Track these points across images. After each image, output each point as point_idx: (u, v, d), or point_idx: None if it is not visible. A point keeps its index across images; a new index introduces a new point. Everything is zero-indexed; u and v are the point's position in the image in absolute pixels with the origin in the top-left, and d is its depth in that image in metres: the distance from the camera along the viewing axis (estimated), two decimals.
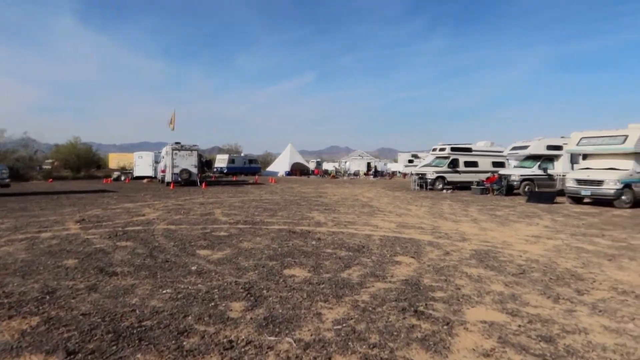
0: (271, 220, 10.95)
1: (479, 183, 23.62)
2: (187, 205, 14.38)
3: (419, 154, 70.40)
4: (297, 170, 52.80)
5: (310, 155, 66.42)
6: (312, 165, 58.37)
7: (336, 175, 47.52)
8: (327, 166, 71.10)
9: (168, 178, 25.77)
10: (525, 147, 22.65)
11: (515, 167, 24.06)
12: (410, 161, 65.14)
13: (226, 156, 51.17)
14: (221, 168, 49.26)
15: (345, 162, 62.06)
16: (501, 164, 27.64)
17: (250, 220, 10.99)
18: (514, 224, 11.15)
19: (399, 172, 56.01)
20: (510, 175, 22.25)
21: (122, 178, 35.54)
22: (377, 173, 48.62)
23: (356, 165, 58.16)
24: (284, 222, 10.78)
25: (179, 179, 25.83)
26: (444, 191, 24.08)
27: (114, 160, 56.17)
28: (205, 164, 43.31)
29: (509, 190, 21.72)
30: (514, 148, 23.82)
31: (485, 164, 27.00)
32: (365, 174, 49.59)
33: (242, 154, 56.86)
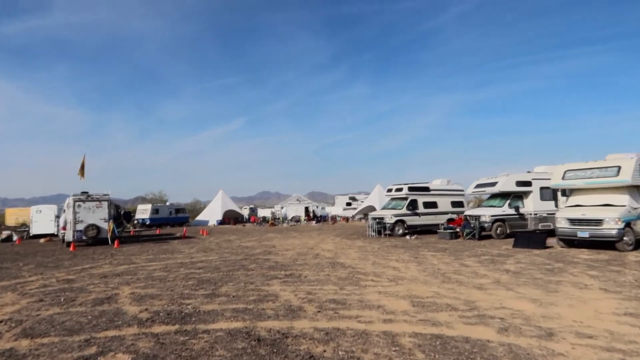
0: (212, 308, 6.85)
1: (445, 227, 20.82)
2: (79, 282, 9.77)
3: (356, 196, 68.48)
4: (230, 218, 48.07)
5: (242, 202, 62.14)
6: (245, 212, 53.79)
7: (275, 222, 43.39)
8: (262, 212, 66.68)
9: (69, 237, 20.40)
10: (492, 184, 20.32)
11: (482, 206, 21.63)
12: (349, 204, 62.78)
13: (149, 206, 45.30)
14: (143, 220, 43.33)
15: (282, 208, 58.16)
16: (460, 204, 25.37)
17: (177, 310, 6.78)
18: (564, 287, 7.97)
19: (338, 216, 53.06)
20: (479, 217, 19.68)
21: (14, 238, 28.98)
22: (319, 218, 45.11)
23: (293, 210, 54.47)
24: (234, 310, 6.73)
25: (84, 237, 20.55)
26: (408, 237, 20.99)
27: (12, 217, 47.81)
28: (123, 215, 37.42)
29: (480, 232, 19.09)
30: (479, 186, 21.47)
31: (444, 204, 24.55)
32: (306, 220, 45.91)
33: (168, 203, 51.17)
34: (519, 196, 20.04)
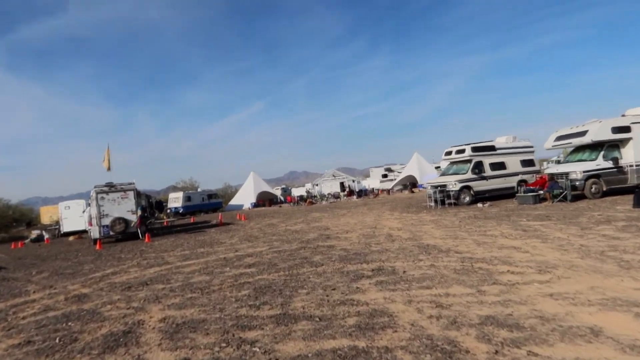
0: (296, 350, 4.05)
1: (525, 189, 17.51)
2: (93, 300, 7.17)
3: (392, 167, 65.09)
4: (265, 200, 45.73)
5: (271, 183, 59.70)
6: (277, 193, 51.32)
7: (313, 200, 40.71)
8: (297, 191, 64.13)
9: (95, 233, 18.14)
10: (581, 134, 16.80)
11: (567, 161, 18.15)
12: (385, 175, 59.50)
13: (180, 194, 43.34)
14: (176, 208, 41.45)
15: (316, 185, 55.35)
16: (531, 162, 21.87)
17: (237, 358, 4.01)
18: None
19: (375, 189, 49.92)
20: (568, 174, 16.29)
21: (46, 237, 27.29)
22: (360, 193, 42.14)
23: (328, 186, 51.70)
24: (335, 352, 3.90)
25: (111, 233, 18.26)
26: (480, 205, 17.82)
27: (47, 214, 46.75)
28: (155, 205, 35.46)
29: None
30: (561, 137, 17.97)
31: (513, 164, 21.10)
32: (346, 195, 43.04)
33: (199, 190, 49.18)
34: (615, 145, 16.49)
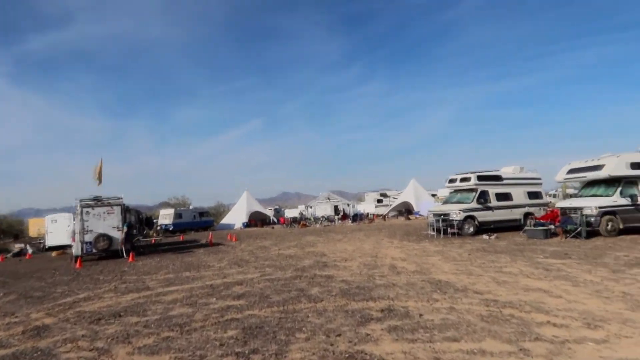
0: None
1: (536, 223, 16.60)
2: (52, 336, 6.08)
3: (387, 192, 64.19)
4: (257, 220, 44.50)
5: (263, 203, 58.58)
6: (269, 213, 50.03)
7: (306, 223, 39.56)
8: (289, 213, 62.90)
9: (77, 250, 16.89)
10: (596, 168, 16.00)
11: (580, 196, 17.27)
12: (379, 201, 58.61)
13: (171, 211, 42.06)
14: (166, 225, 40.10)
15: (310, 207, 54.16)
16: (537, 195, 21.02)
17: None
18: None
19: (370, 214, 48.81)
20: (582, 209, 15.40)
21: (30, 251, 25.90)
22: (355, 217, 41.06)
23: (322, 209, 50.50)
24: None
25: (94, 250, 17.05)
26: (486, 237, 16.84)
27: (35, 227, 44.99)
28: (145, 221, 34.21)
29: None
30: (574, 170, 17.16)
31: (519, 195, 20.23)
32: (341, 220, 41.95)
33: (191, 207, 47.93)
34: (632, 182, 15.68)
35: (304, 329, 5.45)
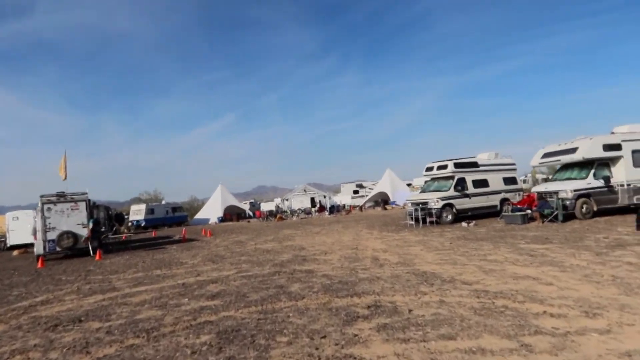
0: None
1: (513, 208, 16.55)
2: (3, 342, 5.47)
3: (363, 183, 64.15)
4: (232, 214, 43.71)
5: (239, 197, 57.64)
6: (245, 207, 49.25)
7: (283, 216, 39.03)
8: (265, 206, 62.15)
9: (38, 249, 15.95)
10: (570, 151, 16.03)
11: (555, 180, 17.32)
12: (356, 192, 58.56)
13: (143, 206, 40.90)
14: (138, 221, 38.98)
15: (286, 200, 53.63)
16: (513, 180, 21.08)
17: None
18: None
19: (347, 206, 48.63)
20: (558, 192, 15.42)
21: None
22: (332, 209, 40.77)
23: (299, 202, 50.06)
24: None
25: (57, 249, 16.14)
26: (465, 224, 16.72)
27: None
28: (115, 217, 33.04)
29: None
30: (548, 154, 17.18)
31: (496, 181, 20.24)
32: (318, 212, 41.57)
33: (164, 202, 46.73)
34: (605, 164, 15.80)
35: (285, 331, 4.98)
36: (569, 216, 15.16)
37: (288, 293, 6.99)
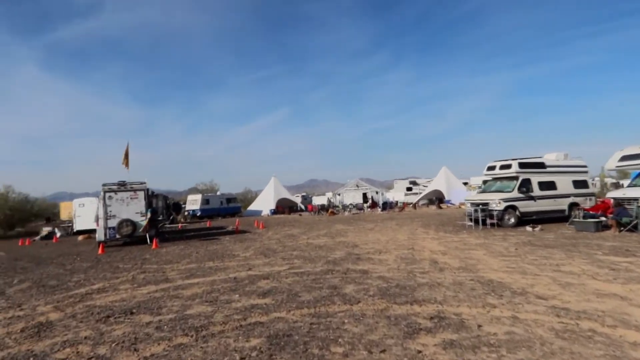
0: None
1: (585, 214, 15.25)
2: (51, 337, 5.46)
3: (417, 180, 62.54)
4: (285, 207, 43.97)
5: (291, 190, 57.97)
6: (297, 200, 49.33)
7: (335, 211, 38.75)
8: (317, 200, 62.18)
9: (100, 236, 16.55)
10: None
11: (637, 185, 15.77)
12: (409, 189, 57.13)
13: (199, 196, 42.00)
14: (193, 211, 40.11)
15: (339, 194, 53.29)
16: (584, 184, 19.48)
17: None
18: None
19: (400, 203, 47.54)
20: (639, 199, 13.98)
21: (58, 234, 26.11)
22: (385, 205, 39.98)
23: (350, 197, 49.47)
24: None
25: (117, 236, 16.68)
26: (529, 228, 15.60)
27: (66, 211, 45.71)
28: (172, 207, 34.12)
29: None
30: (627, 157, 15.66)
31: (564, 184, 18.76)
32: (370, 208, 40.93)
33: (219, 193, 47.79)
34: None
35: (340, 340, 4.59)
36: None
37: (342, 295, 6.60)
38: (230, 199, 44.51)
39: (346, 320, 5.27)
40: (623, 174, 47.90)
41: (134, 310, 6.32)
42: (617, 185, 44.87)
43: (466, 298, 6.12)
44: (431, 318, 5.21)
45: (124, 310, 6.34)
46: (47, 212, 49.55)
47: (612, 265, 8.22)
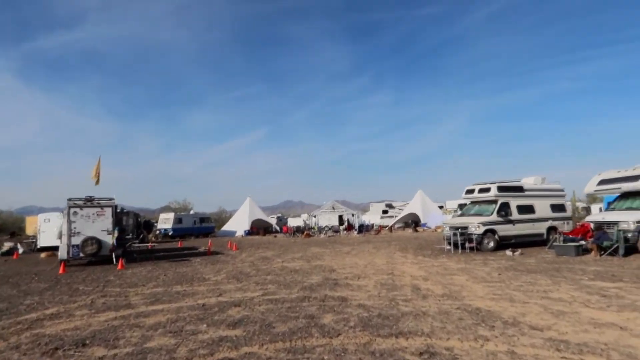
0: None
1: (565, 238, 15.12)
2: None
3: (393, 203, 62.48)
4: (259, 228, 43.07)
5: (266, 211, 57.23)
6: (272, 221, 48.54)
7: (310, 233, 38.08)
8: (292, 221, 61.31)
9: (62, 254, 15.52)
10: (634, 179, 14.58)
11: (614, 209, 15.77)
12: (385, 212, 56.93)
13: (171, 215, 40.82)
14: (165, 230, 38.89)
15: (314, 216, 52.63)
16: (561, 208, 19.52)
17: None
18: None
19: (376, 225, 47.26)
20: (618, 223, 13.95)
21: (20, 250, 24.63)
22: (361, 228, 39.58)
23: (326, 219, 48.89)
24: None
25: (81, 255, 15.65)
26: (509, 252, 15.36)
27: (32, 225, 43.46)
28: (143, 225, 32.91)
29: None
30: (605, 182, 15.71)
31: (542, 207, 18.76)
32: (346, 230, 40.44)
33: (192, 212, 46.56)
34: None
35: None
36: (629, 250, 13.65)
37: (320, 326, 6.02)
38: (203, 219, 43.37)
39: (326, 357, 4.70)
40: (592, 199, 49.05)
41: (87, 342, 5.59)
42: (587, 210, 45.75)
43: (455, 330, 5.63)
44: (420, 354, 4.69)
45: (75, 341, 5.60)
46: (12, 227, 47.22)
47: (602, 291, 7.91)
